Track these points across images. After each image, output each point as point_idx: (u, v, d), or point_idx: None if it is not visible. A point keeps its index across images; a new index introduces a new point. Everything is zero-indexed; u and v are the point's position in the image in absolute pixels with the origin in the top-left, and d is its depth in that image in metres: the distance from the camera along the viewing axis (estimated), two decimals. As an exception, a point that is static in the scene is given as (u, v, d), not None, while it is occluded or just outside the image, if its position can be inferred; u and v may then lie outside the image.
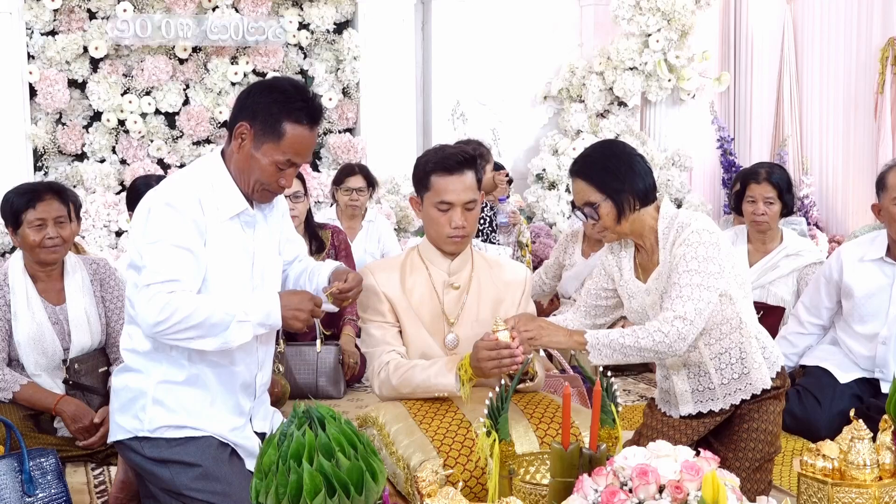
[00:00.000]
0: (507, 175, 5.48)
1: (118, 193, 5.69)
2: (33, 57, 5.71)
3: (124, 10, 5.65)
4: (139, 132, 5.80)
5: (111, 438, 2.61)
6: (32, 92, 5.69)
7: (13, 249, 4.98)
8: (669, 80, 6.52)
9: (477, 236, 4.42)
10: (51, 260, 3.39)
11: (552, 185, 6.67)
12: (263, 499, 1.60)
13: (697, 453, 1.76)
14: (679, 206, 6.47)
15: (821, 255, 4.33)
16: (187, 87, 5.95)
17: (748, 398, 2.71)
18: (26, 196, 3.32)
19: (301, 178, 4.41)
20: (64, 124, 5.79)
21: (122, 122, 5.81)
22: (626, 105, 6.74)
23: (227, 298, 2.41)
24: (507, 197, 5.14)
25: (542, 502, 2.01)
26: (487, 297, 2.83)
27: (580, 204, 2.66)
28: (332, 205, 5.42)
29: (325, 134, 6.28)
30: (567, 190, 6.57)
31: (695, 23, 6.47)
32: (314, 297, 2.49)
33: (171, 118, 5.94)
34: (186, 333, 2.36)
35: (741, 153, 6.82)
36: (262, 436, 2.62)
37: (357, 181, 5.09)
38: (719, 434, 2.78)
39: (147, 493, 2.61)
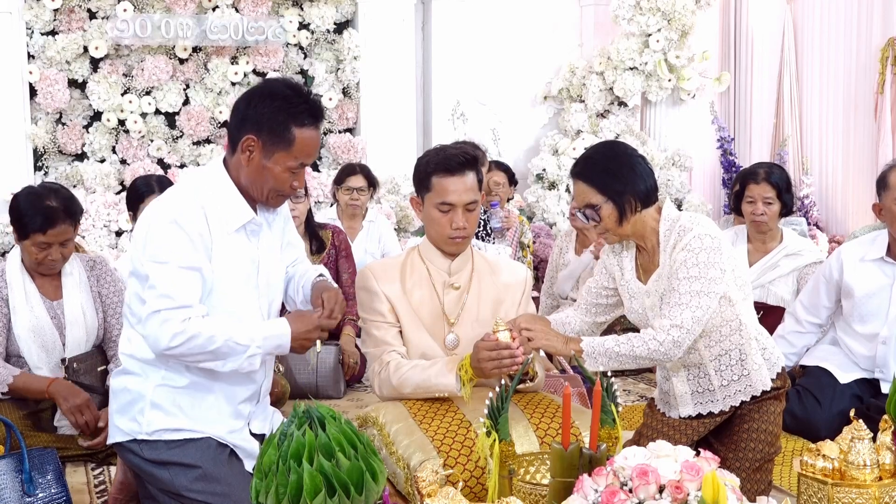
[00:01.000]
0: (511, 177, 5.48)
1: (118, 193, 5.69)
2: (33, 57, 5.71)
3: (124, 10, 5.65)
4: (139, 132, 5.80)
5: (110, 440, 2.61)
6: (32, 92, 5.69)
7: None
8: (669, 80, 6.52)
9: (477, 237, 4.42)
10: (47, 273, 3.42)
11: (552, 185, 6.67)
12: (263, 499, 1.60)
13: (697, 453, 1.76)
14: (679, 207, 6.47)
15: (821, 255, 4.33)
16: (187, 86, 5.95)
17: (748, 399, 2.71)
18: (40, 219, 3.26)
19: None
20: (64, 124, 5.79)
21: (122, 122, 5.82)
22: (626, 105, 6.74)
23: (239, 326, 2.42)
24: (498, 203, 5.13)
25: (542, 502, 2.01)
26: (488, 298, 2.83)
27: (581, 206, 2.66)
28: (332, 205, 5.42)
29: (325, 134, 6.28)
30: (567, 190, 6.56)
31: (695, 23, 6.47)
32: (320, 321, 2.48)
33: (171, 118, 5.94)
34: (197, 357, 2.39)
35: (741, 153, 6.82)
36: (260, 437, 2.61)
37: (358, 181, 5.09)
38: (719, 434, 2.78)
39: (146, 493, 2.61)
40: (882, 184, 3.54)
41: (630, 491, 1.69)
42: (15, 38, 5.62)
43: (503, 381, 2.28)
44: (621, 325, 3.97)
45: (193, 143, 5.95)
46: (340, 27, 6.26)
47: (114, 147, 5.86)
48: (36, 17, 5.62)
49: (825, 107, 6.38)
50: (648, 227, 2.66)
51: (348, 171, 5.15)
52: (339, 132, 6.36)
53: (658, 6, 6.32)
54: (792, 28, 6.60)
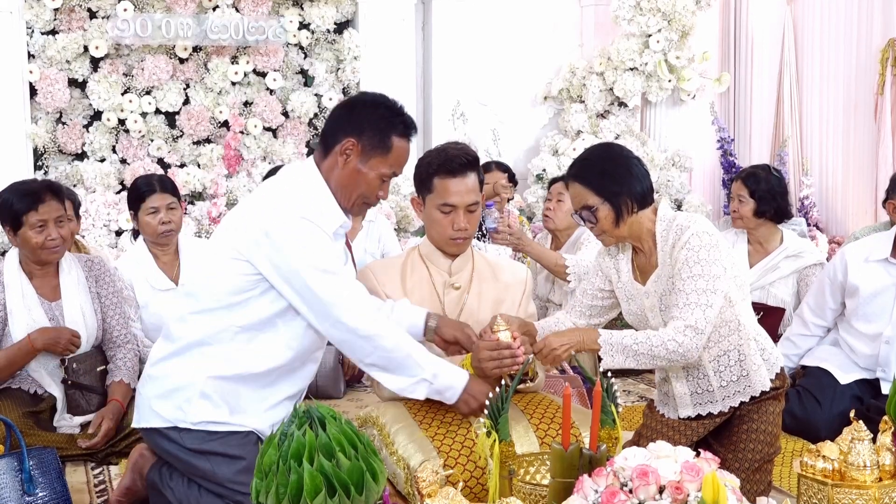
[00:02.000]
0: (511, 178, 5.47)
1: (118, 193, 5.68)
2: (33, 56, 5.70)
3: (124, 10, 5.64)
4: (139, 131, 5.80)
5: (144, 424, 2.55)
6: (32, 91, 5.69)
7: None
8: (670, 81, 6.52)
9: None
10: (52, 259, 3.40)
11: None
12: (264, 499, 1.60)
13: (697, 454, 1.76)
14: (679, 207, 6.47)
15: (821, 257, 4.34)
16: (187, 86, 5.95)
17: (747, 400, 2.71)
18: (27, 199, 3.32)
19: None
20: (64, 124, 5.79)
21: (122, 122, 5.81)
22: (626, 105, 6.74)
23: (422, 348, 2.49)
24: (494, 203, 5.12)
25: (542, 503, 2.01)
26: (488, 298, 2.83)
27: (577, 207, 2.66)
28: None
29: (325, 134, 6.28)
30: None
31: (695, 23, 6.46)
32: (492, 388, 2.44)
33: (171, 118, 5.93)
34: (375, 355, 2.44)
35: (741, 154, 6.81)
36: None
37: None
38: (719, 435, 2.78)
39: (160, 502, 2.59)
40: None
41: (630, 491, 1.69)
42: (15, 37, 5.61)
43: (503, 382, 2.28)
44: (617, 327, 3.97)
45: (193, 143, 5.95)
46: (340, 27, 6.26)
47: (114, 147, 5.85)
48: (36, 17, 5.61)
49: (825, 108, 6.38)
50: (645, 228, 2.66)
51: (349, 170, 5.14)
52: (340, 132, 6.34)
53: (658, 7, 6.32)
54: (792, 29, 6.60)
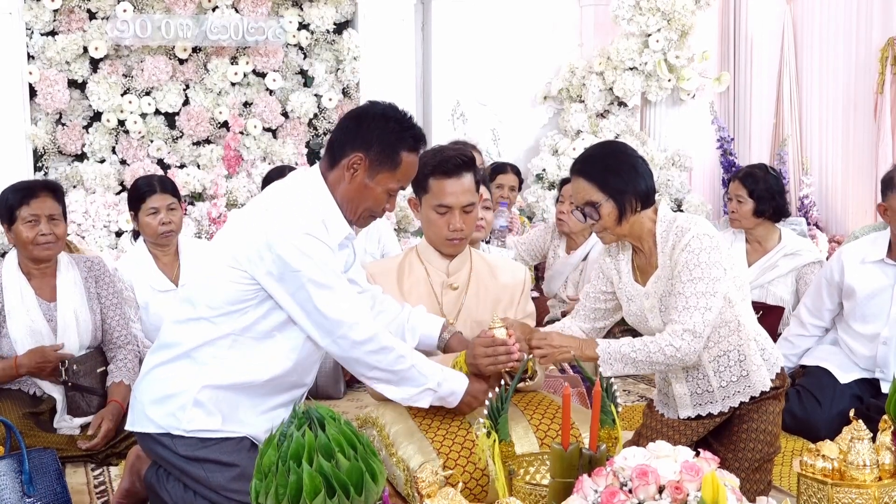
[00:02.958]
0: (518, 177, 5.48)
1: (118, 194, 5.68)
2: (33, 57, 5.70)
3: (124, 11, 5.64)
4: (139, 132, 5.80)
5: (138, 428, 2.53)
6: (32, 92, 5.69)
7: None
8: (669, 80, 6.52)
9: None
10: (44, 257, 3.40)
11: (552, 185, 6.66)
12: (263, 499, 1.61)
13: (697, 454, 1.76)
14: (679, 207, 6.47)
15: (820, 255, 4.34)
16: (187, 87, 5.95)
17: (747, 400, 2.71)
18: (21, 193, 3.35)
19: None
20: (64, 124, 5.79)
21: (122, 123, 5.81)
22: (626, 105, 6.74)
23: (422, 356, 2.49)
24: (507, 203, 5.12)
25: (542, 503, 2.01)
26: (486, 298, 2.83)
27: (580, 203, 2.65)
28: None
29: (324, 134, 6.27)
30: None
31: (695, 23, 6.46)
32: (491, 387, 2.49)
33: (171, 118, 5.93)
34: (378, 369, 2.44)
35: (741, 153, 6.81)
36: None
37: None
38: (719, 434, 2.78)
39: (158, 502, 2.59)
40: (888, 184, 3.54)
41: (630, 491, 1.69)
42: (15, 38, 5.61)
43: (503, 382, 2.28)
44: (619, 328, 3.97)
45: (193, 144, 5.95)
46: (340, 27, 6.26)
47: (114, 147, 5.85)
48: (36, 18, 5.61)
49: (825, 107, 6.38)
50: (645, 228, 2.66)
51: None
52: (339, 132, 6.34)
53: (658, 6, 6.32)
54: (791, 28, 6.59)
